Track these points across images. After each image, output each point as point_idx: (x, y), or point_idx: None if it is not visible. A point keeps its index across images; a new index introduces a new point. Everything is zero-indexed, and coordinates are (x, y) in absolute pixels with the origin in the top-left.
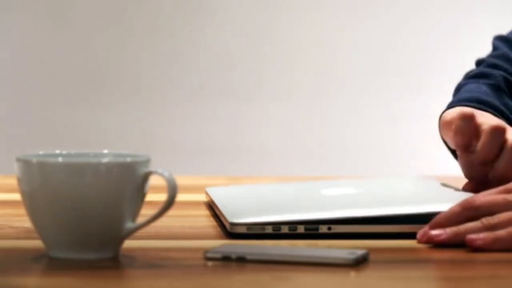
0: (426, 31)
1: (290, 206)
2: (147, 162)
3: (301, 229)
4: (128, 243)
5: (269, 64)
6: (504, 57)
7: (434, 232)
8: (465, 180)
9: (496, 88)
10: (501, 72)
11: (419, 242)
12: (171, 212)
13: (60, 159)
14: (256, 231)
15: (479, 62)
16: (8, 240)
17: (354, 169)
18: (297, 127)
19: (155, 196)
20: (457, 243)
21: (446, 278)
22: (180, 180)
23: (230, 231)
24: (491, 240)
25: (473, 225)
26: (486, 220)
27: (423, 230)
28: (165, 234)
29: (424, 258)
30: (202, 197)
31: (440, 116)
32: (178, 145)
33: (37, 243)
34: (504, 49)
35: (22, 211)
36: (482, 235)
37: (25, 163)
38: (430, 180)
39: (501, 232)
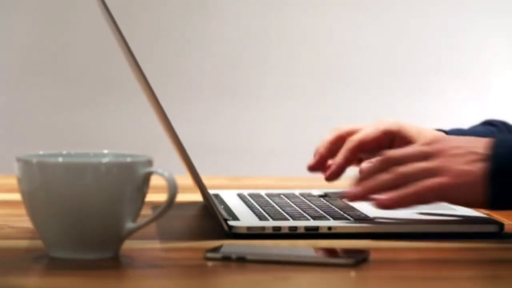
0: (427, 31)
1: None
2: (147, 162)
3: (301, 229)
4: (128, 243)
5: (269, 64)
6: None
7: (379, 196)
8: None
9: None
10: None
11: (350, 199)
12: (171, 212)
13: (60, 159)
14: (256, 231)
15: None
16: (8, 240)
17: (354, 169)
18: (297, 127)
19: (155, 196)
20: (399, 207)
21: (446, 278)
22: (180, 180)
23: (230, 231)
24: (396, 199)
25: (382, 177)
26: (396, 171)
27: (354, 189)
28: (165, 234)
29: (424, 258)
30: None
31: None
32: None
33: (37, 243)
34: None
35: (22, 211)
36: (388, 195)
37: (25, 163)
38: None
39: (405, 190)
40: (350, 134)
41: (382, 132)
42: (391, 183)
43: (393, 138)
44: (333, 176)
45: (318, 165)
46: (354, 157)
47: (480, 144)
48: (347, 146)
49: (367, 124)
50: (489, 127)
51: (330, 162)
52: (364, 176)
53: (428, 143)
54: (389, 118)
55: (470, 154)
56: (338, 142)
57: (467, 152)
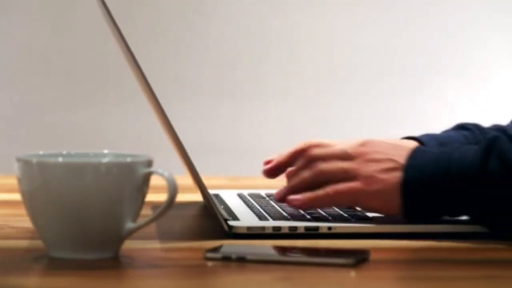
0: (425, 31)
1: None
2: (147, 162)
3: (301, 229)
4: (128, 243)
5: (269, 64)
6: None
7: (292, 197)
8: None
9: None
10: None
11: (276, 199)
12: (171, 212)
13: (60, 159)
14: (256, 231)
15: None
16: (8, 240)
17: None
18: (297, 127)
19: (155, 196)
20: (310, 208)
21: (446, 278)
22: (180, 180)
23: (230, 231)
24: (307, 200)
25: (303, 174)
26: (316, 167)
27: (280, 190)
28: (165, 234)
29: (424, 258)
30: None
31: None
32: None
33: (37, 243)
34: None
35: (22, 211)
36: (300, 196)
37: (25, 163)
38: None
39: (319, 192)
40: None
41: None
42: (311, 180)
43: None
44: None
45: (271, 172)
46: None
47: (403, 153)
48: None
49: (337, 141)
50: (462, 131)
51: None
52: (289, 173)
53: (354, 145)
54: (358, 138)
55: (388, 161)
56: (300, 153)
57: (386, 159)
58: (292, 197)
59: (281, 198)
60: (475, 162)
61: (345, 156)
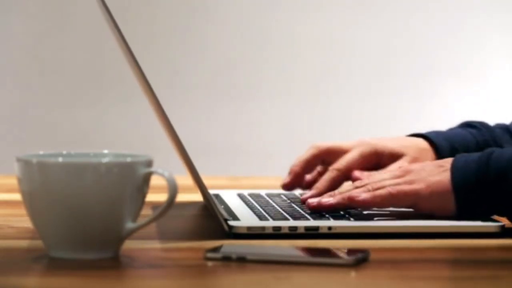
0: (426, 31)
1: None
2: (147, 162)
3: (301, 229)
4: (128, 243)
5: (268, 64)
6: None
7: (324, 200)
8: None
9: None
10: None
11: (309, 207)
12: (171, 212)
13: (60, 159)
14: (256, 231)
15: None
16: (8, 240)
17: None
18: (297, 127)
19: (155, 196)
20: (344, 207)
21: (446, 278)
22: (180, 180)
23: (230, 231)
24: (370, 197)
25: (357, 190)
26: (370, 186)
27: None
28: (165, 234)
29: (424, 258)
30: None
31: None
32: None
33: (37, 243)
34: None
35: (22, 211)
36: (363, 194)
37: (25, 163)
38: None
39: (380, 191)
40: (327, 153)
41: (362, 158)
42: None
43: (378, 159)
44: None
45: (293, 184)
46: (337, 185)
47: (447, 160)
48: (330, 176)
49: (346, 143)
50: (469, 129)
51: (308, 177)
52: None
53: (399, 168)
54: (368, 138)
55: (438, 167)
56: (314, 161)
57: (434, 165)
58: (356, 193)
59: (333, 205)
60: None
61: (395, 177)
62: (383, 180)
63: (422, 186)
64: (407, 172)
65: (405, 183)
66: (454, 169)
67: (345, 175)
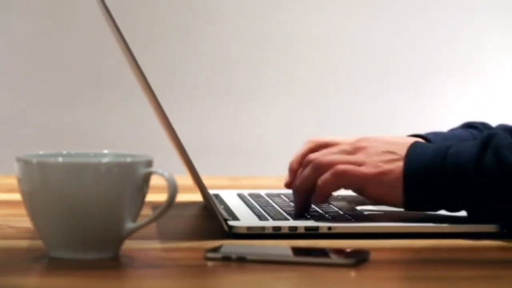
0: (426, 31)
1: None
2: (147, 162)
3: (301, 229)
4: (128, 243)
5: (268, 64)
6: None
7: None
8: None
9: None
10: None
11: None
12: (171, 212)
13: (60, 159)
14: (256, 231)
15: None
16: (8, 240)
17: None
18: (297, 127)
19: (155, 196)
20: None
21: (446, 278)
22: (180, 180)
23: (230, 231)
24: (320, 185)
25: (304, 172)
26: (314, 163)
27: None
28: (165, 234)
29: (424, 258)
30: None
31: None
32: None
33: (37, 243)
34: None
35: (22, 211)
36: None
37: (25, 163)
38: None
39: (326, 174)
40: (324, 146)
41: None
42: (313, 175)
43: None
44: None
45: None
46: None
47: (401, 147)
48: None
49: (343, 138)
50: (470, 130)
51: None
52: (296, 162)
53: (351, 142)
54: (367, 136)
55: (389, 153)
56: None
57: (387, 151)
58: (301, 185)
59: (298, 210)
60: (471, 157)
61: (344, 152)
62: (329, 154)
63: (370, 170)
64: (357, 149)
65: (354, 163)
66: (408, 159)
67: None
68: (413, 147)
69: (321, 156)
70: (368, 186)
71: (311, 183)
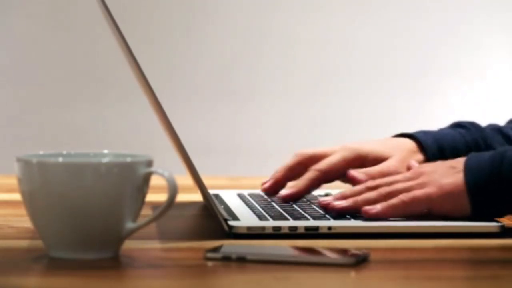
0: (426, 31)
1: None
2: (147, 162)
3: (301, 229)
4: (128, 243)
5: (268, 64)
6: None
7: (336, 202)
8: None
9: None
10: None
11: (321, 205)
12: (171, 212)
13: (60, 159)
14: (256, 231)
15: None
16: (8, 240)
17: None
18: (297, 127)
19: (155, 196)
20: (356, 212)
21: (446, 278)
22: (180, 180)
23: (230, 231)
24: (384, 209)
25: (370, 194)
26: (383, 190)
27: (326, 201)
28: (165, 234)
29: (424, 258)
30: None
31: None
32: None
33: (37, 243)
34: None
35: (22, 211)
36: (377, 206)
37: (25, 163)
38: None
39: (393, 200)
40: (311, 159)
41: (344, 161)
42: (378, 199)
43: (361, 163)
44: (289, 198)
45: (271, 190)
46: (316, 186)
47: (460, 161)
48: (310, 176)
49: (330, 148)
50: (458, 129)
51: (291, 183)
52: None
53: (411, 171)
54: (351, 143)
55: (450, 168)
56: (297, 168)
57: (446, 167)
58: (369, 207)
59: (344, 209)
60: None
61: (407, 179)
62: (395, 183)
63: (434, 189)
64: (419, 174)
65: (417, 186)
66: (466, 169)
67: (326, 176)
68: (469, 158)
69: (387, 185)
70: (435, 205)
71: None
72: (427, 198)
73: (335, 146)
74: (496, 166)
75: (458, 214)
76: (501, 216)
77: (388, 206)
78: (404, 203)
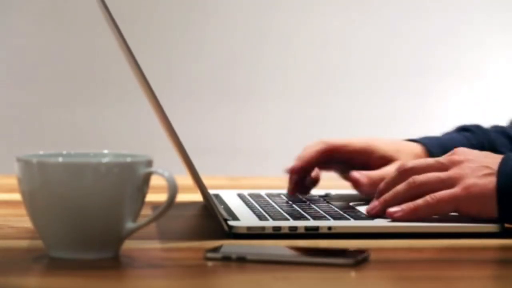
0: (425, 31)
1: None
2: (147, 162)
3: (301, 229)
4: (128, 243)
5: (268, 64)
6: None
7: (392, 209)
8: None
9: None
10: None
11: (371, 214)
12: (171, 212)
13: (60, 159)
14: (256, 231)
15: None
16: (8, 240)
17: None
18: (297, 127)
19: (155, 196)
20: (413, 219)
21: (446, 278)
22: (180, 180)
23: (230, 231)
24: (409, 210)
25: (400, 188)
26: (413, 180)
27: (373, 205)
28: (165, 234)
29: (424, 258)
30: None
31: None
32: None
33: (37, 243)
34: None
35: (22, 211)
36: (402, 207)
37: (25, 163)
38: None
39: (419, 202)
40: (334, 150)
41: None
42: (407, 193)
43: (367, 158)
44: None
45: (300, 171)
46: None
47: (495, 160)
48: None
49: (354, 138)
50: (463, 133)
51: (313, 173)
52: (382, 188)
53: (446, 155)
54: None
55: (483, 168)
56: (321, 157)
57: (480, 166)
58: (393, 209)
59: (377, 213)
60: None
61: (439, 167)
62: (425, 170)
63: (462, 191)
64: (453, 164)
65: (448, 180)
66: (500, 174)
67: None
68: (505, 160)
69: (417, 173)
70: (461, 206)
71: (402, 199)
72: (453, 200)
73: (359, 138)
74: None
75: (485, 216)
76: None
77: (412, 209)
78: (429, 205)
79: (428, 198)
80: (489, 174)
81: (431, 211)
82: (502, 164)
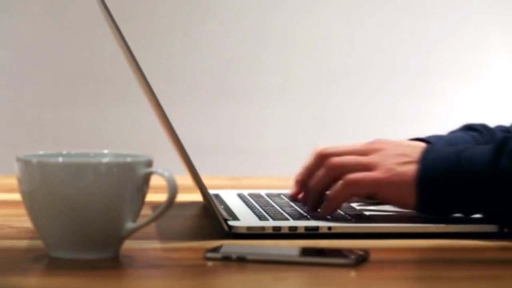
0: (425, 31)
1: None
2: (147, 162)
3: (301, 229)
4: (128, 243)
5: (268, 64)
6: None
7: (319, 211)
8: None
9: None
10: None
11: (312, 214)
12: (171, 212)
13: (60, 159)
14: (256, 231)
15: None
16: (8, 240)
17: None
18: (297, 127)
19: (155, 196)
20: (338, 206)
21: (446, 278)
22: (180, 180)
23: (230, 231)
24: (330, 200)
25: (320, 173)
26: (330, 162)
27: (306, 203)
28: (165, 234)
29: (424, 258)
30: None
31: None
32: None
33: (37, 243)
34: None
35: (22, 211)
36: (322, 206)
37: (25, 163)
38: None
39: (337, 185)
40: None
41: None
42: (327, 176)
43: None
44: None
45: (297, 195)
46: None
47: (415, 150)
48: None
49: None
50: (470, 132)
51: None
52: (302, 174)
53: (365, 143)
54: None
55: (403, 156)
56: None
57: (401, 154)
58: (321, 212)
59: (313, 208)
60: (485, 160)
61: (359, 152)
62: (343, 153)
63: (382, 174)
64: (372, 151)
65: (366, 165)
66: (421, 164)
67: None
68: (427, 150)
69: (335, 156)
70: (380, 190)
71: (325, 183)
72: (371, 182)
73: (356, 143)
74: (452, 165)
75: (402, 205)
76: (446, 214)
77: (332, 196)
78: (347, 185)
79: (345, 178)
80: (409, 162)
81: (349, 191)
82: (424, 153)
